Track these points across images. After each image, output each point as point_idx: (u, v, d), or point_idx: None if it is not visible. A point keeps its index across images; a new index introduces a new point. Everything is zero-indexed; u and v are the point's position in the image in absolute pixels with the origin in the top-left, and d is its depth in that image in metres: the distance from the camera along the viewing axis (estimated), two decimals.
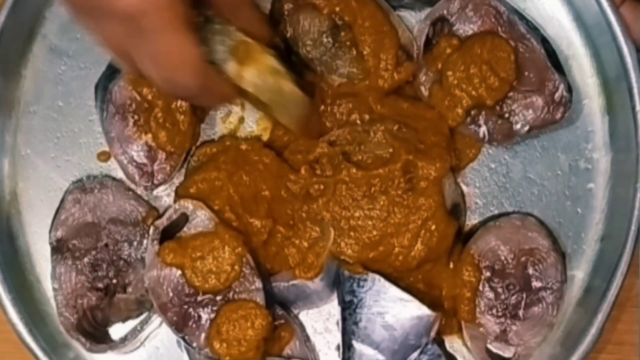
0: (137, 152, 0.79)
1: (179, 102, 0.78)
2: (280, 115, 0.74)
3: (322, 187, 0.77)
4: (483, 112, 0.78)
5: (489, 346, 0.78)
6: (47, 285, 0.79)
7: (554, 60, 0.78)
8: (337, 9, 0.79)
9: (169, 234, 0.76)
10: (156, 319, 0.79)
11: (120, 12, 0.59)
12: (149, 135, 0.78)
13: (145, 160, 0.79)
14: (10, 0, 0.78)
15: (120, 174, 0.80)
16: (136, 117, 0.78)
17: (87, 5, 0.62)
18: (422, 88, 0.79)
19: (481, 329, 0.78)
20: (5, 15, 0.78)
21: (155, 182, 0.79)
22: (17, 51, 0.80)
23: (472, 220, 0.81)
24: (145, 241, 0.78)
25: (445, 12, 0.79)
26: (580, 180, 0.81)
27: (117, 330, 0.79)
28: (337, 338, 0.78)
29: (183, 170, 0.81)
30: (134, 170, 0.79)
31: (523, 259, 0.78)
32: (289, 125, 0.75)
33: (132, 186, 0.80)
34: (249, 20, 0.71)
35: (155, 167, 0.79)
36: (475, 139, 0.79)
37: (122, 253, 0.78)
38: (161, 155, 0.79)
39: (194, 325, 0.75)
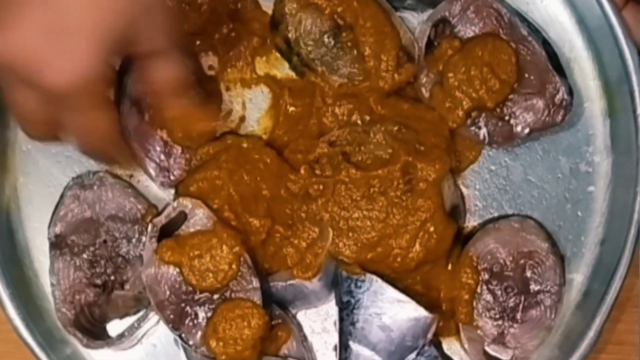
0: (153, 146, 0.79)
1: None
2: None
3: (321, 187, 0.77)
4: (483, 114, 0.78)
5: (487, 349, 0.78)
6: (45, 281, 0.79)
7: (555, 62, 0.78)
8: (339, 9, 0.78)
9: (167, 232, 0.76)
10: (153, 317, 0.79)
11: (48, 88, 0.62)
12: (165, 131, 0.78)
13: (162, 156, 0.79)
14: None
15: (120, 171, 0.80)
16: (152, 111, 0.78)
17: (13, 67, 0.63)
18: (423, 89, 0.79)
19: (479, 332, 0.78)
20: None
21: (172, 177, 0.79)
22: None
23: (471, 222, 0.80)
24: (143, 238, 0.78)
25: (447, 13, 0.79)
26: (580, 183, 0.80)
27: (114, 327, 0.79)
28: (334, 338, 0.78)
29: None
30: (152, 165, 0.79)
31: (522, 261, 0.78)
32: None
33: (133, 182, 0.80)
34: (185, 107, 0.73)
35: (172, 162, 0.79)
36: (475, 141, 0.79)
37: (120, 250, 0.78)
38: (177, 151, 0.79)
39: (190, 324, 0.75)
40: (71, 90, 0.62)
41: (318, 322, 0.79)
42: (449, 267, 0.78)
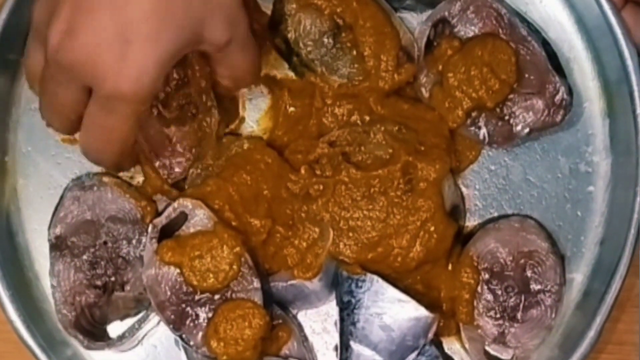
0: (163, 146, 0.79)
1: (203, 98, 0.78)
2: None
3: (321, 187, 0.77)
4: (483, 114, 0.78)
5: (487, 348, 0.78)
6: (46, 283, 0.79)
7: (555, 63, 0.78)
8: (339, 9, 0.78)
9: (167, 233, 0.76)
10: (154, 318, 0.79)
11: (106, 91, 0.65)
12: (172, 128, 0.78)
13: (165, 152, 0.79)
14: (10, 0, 0.78)
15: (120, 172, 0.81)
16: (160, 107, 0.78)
17: (73, 68, 0.66)
18: (423, 89, 0.79)
19: (479, 331, 0.78)
20: (6, 12, 0.78)
21: (172, 175, 0.79)
22: (18, 48, 0.80)
23: (471, 222, 0.80)
24: (143, 239, 0.78)
25: (446, 13, 0.79)
26: (580, 183, 0.80)
27: (115, 328, 0.79)
28: (335, 338, 0.78)
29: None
30: (154, 159, 0.79)
31: (522, 261, 0.78)
32: None
33: (133, 183, 0.80)
34: (235, 66, 0.74)
35: (173, 160, 0.79)
36: (475, 140, 0.79)
37: (120, 251, 0.78)
38: (179, 149, 0.79)
39: (191, 324, 0.75)
40: (124, 96, 0.65)
41: (319, 322, 0.79)
42: (450, 266, 0.78)
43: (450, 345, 0.79)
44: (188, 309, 0.75)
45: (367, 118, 0.79)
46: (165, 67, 0.66)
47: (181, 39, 0.66)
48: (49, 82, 0.69)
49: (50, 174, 0.81)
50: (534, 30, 0.79)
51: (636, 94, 0.77)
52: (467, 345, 0.78)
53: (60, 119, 0.72)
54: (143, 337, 0.80)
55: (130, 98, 0.65)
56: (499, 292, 0.78)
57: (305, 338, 0.79)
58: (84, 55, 0.64)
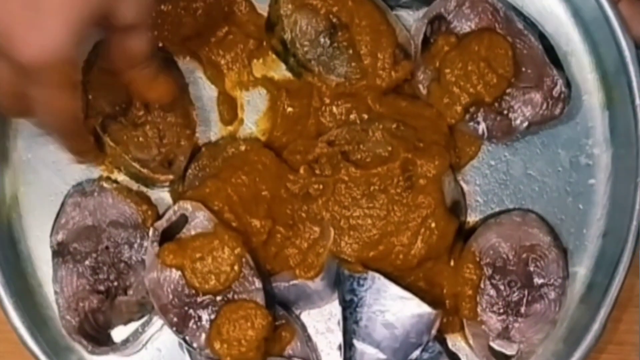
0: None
1: None
2: None
3: (321, 186, 0.77)
4: (482, 109, 0.78)
5: (492, 344, 0.78)
6: (49, 289, 0.79)
7: (552, 56, 0.78)
8: (334, 9, 0.79)
9: (168, 236, 0.76)
10: (157, 321, 0.79)
11: (18, 60, 0.64)
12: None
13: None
14: None
15: (120, 177, 0.81)
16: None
17: None
18: (421, 86, 0.79)
19: (483, 327, 0.77)
20: None
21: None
22: None
23: (472, 217, 0.80)
24: (145, 243, 0.78)
25: (442, 10, 0.79)
26: (581, 176, 0.80)
27: (119, 333, 0.79)
28: (338, 337, 0.78)
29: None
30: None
31: (524, 255, 0.78)
32: None
33: (133, 187, 0.80)
34: (145, 81, 0.74)
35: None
36: (474, 136, 0.79)
37: (122, 255, 0.78)
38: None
39: (194, 326, 0.75)
40: (40, 64, 0.64)
41: (322, 321, 0.79)
42: (452, 263, 0.78)
43: (454, 341, 0.79)
44: (191, 311, 0.75)
45: (366, 116, 0.79)
46: (78, 32, 0.64)
47: (91, 7, 0.64)
48: None
49: (50, 181, 0.81)
50: (531, 24, 0.79)
51: (635, 85, 0.77)
52: (471, 341, 0.78)
53: (4, 100, 0.70)
54: (147, 341, 0.80)
55: (49, 64, 0.64)
56: (502, 287, 0.78)
57: (309, 338, 0.79)
58: None
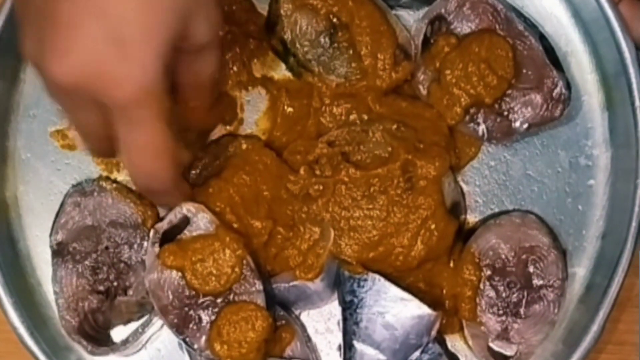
0: None
1: None
2: None
3: (321, 187, 0.77)
4: (482, 111, 0.78)
5: (491, 345, 0.78)
6: (48, 289, 0.79)
7: (553, 57, 0.78)
8: (334, 9, 0.78)
9: (169, 237, 0.76)
10: (157, 322, 0.79)
11: (115, 101, 0.61)
12: None
13: None
14: (9, 2, 0.78)
15: (120, 177, 0.80)
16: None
17: (78, 88, 0.61)
18: (421, 87, 0.79)
19: (482, 328, 0.78)
20: (4, 18, 0.78)
21: None
22: (16, 54, 0.80)
23: (472, 218, 0.80)
24: (145, 243, 0.78)
25: (442, 10, 0.79)
26: (580, 177, 0.80)
27: (118, 333, 0.79)
28: (338, 338, 0.78)
29: None
30: None
31: (524, 256, 0.78)
32: None
33: (133, 187, 0.80)
34: (201, 73, 0.70)
35: None
36: (474, 137, 0.79)
37: (122, 256, 0.78)
38: None
39: (194, 328, 0.75)
40: (136, 98, 0.61)
41: (321, 322, 0.79)
42: (451, 264, 0.78)
43: (454, 342, 0.79)
44: (191, 312, 0.75)
45: (366, 117, 0.79)
46: (165, 58, 0.61)
47: (172, 29, 0.62)
48: (68, 112, 0.66)
49: (50, 181, 0.81)
50: (531, 25, 0.79)
51: (634, 86, 0.77)
52: (470, 342, 0.78)
53: (95, 144, 0.68)
54: (147, 342, 0.80)
55: (144, 98, 0.61)
56: (501, 288, 0.78)
57: (309, 338, 0.79)
58: (84, 72, 0.61)
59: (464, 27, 0.79)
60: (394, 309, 0.76)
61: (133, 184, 0.69)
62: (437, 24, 0.80)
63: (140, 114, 0.62)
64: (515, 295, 0.77)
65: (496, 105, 0.78)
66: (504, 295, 0.78)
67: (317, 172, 0.77)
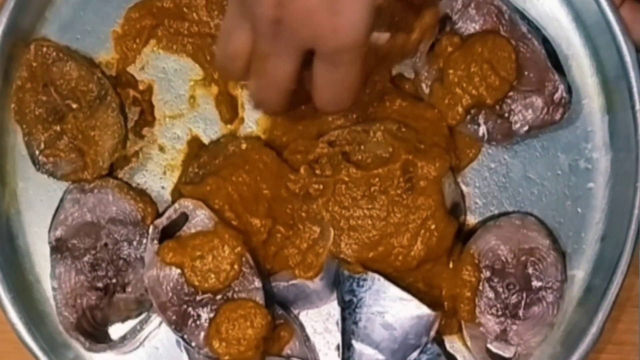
0: None
1: None
2: None
3: (321, 187, 0.77)
4: (483, 112, 0.78)
5: (489, 346, 0.78)
6: (47, 285, 0.79)
7: (554, 60, 0.78)
8: None
9: (168, 233, 0.76)
10: (156, 319, 0.79)
11: (329, 46, 0.66)
12: None
13: None
14: (11, 1, 0.78)
15: (120, 174, 0.81)
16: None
17: (299, 36, 0.66)
18: (424, 85, 0.79)
19: (481, 329, 0.78)
20: (6, 15, 0.78)
21: None
22: (18, 52, 0.80)
23: (472, 219, 0.81)
24: (144, 240, 0.77)
25: (448, 10, 0.79)
26: (580, 179, 0.81)
27: (116, 330, 0.79)
28: (337, 338, 0.78)
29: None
30: None
31: (523, 258, 0.78)
32: None
33: (133, 184, 0.80)
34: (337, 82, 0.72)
35: None
36: (475, 138, 0.79)
37: (121, 252, 0.78)
38: None
39: (193, 325, 0.75)
40: (352, 46, 0.66)
41: (320, 321, 0.79)
42: (451, 264, 0.78)
43: (452, 343, 0.79)
44: (190, 309, 0.75)
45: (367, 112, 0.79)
46: (373, 7, 0.65)
47: None
48: (267, 59, 0.69)
49: (49, 177, 0.81)
50: (534, 28, 0.79)
51: (635, 90, 0.77)
52: (469, 343, 0.78)
53: (279, 95, 0.71)
54: (145, 339, 0.79)
55: (353, 46, 0.66)
56: (501, 290, 0.78)
57: (307, 338, 0.79)
58: (301, 19, 0.65)
59: (468, 27, 0.79)
60: (393, 308, 0.76)
61: (322, 109, 0.72)
62: (441, 24, 0.79)
63: (345, 57, 0.67)
64: (514, 297, 0.78)
65: (497, 107, 0.78)
66: (503, 296, 0.78)
67: (318, 172, 0.77)
